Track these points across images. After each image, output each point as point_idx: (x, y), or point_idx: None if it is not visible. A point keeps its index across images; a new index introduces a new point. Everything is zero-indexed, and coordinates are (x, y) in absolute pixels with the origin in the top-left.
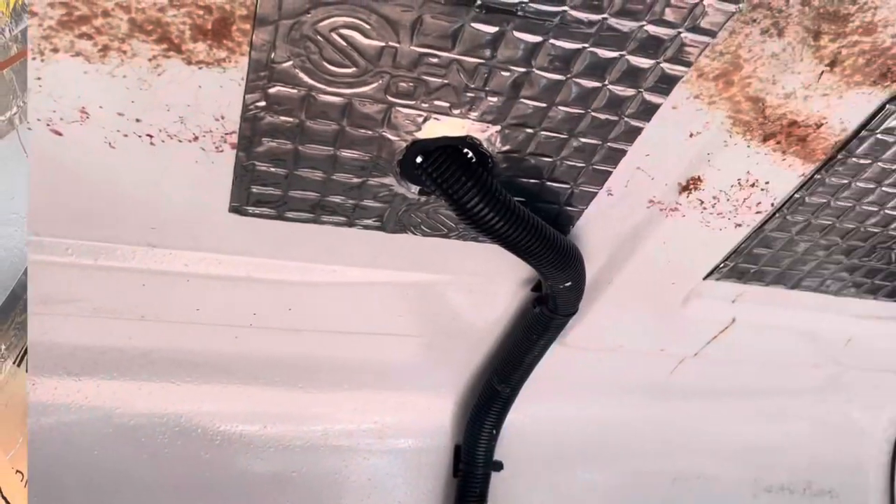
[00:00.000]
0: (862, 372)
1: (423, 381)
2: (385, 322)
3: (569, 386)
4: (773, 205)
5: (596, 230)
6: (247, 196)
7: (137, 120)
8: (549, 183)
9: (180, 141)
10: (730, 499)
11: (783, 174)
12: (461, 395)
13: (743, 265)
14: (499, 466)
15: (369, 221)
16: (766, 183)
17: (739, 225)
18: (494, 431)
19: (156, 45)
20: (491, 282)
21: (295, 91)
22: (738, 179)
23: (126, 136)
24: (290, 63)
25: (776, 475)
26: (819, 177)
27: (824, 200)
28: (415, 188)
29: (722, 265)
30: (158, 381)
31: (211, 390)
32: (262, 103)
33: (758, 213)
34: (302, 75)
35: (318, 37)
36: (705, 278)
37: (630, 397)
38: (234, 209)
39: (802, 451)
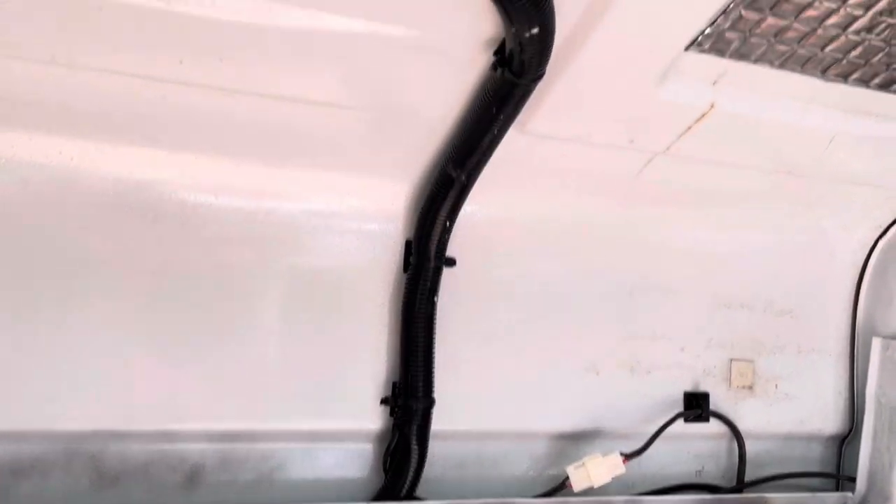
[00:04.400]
0: (838, 184)
1: (373, 164)
2: (328, 88)
3: (530, 181)
4: None
5: None
6: None
7: None
8: None
9: None
10: (688, 313)
11: None
12: (414, 187)
13: (730, 33)
14: (451, 262)
15: None
16: None
17: None
18: (448, 223)
19: None
20: (451, 39)
21: None
22: None
23: None
24: None
25: (736, 292)
26: None
27: None
28: None
29: (707, 30)
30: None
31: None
32: None
33: None
34: None
35: None
36: (687, 48)
37: (594, 199)
38: None
39: (767, 268)
